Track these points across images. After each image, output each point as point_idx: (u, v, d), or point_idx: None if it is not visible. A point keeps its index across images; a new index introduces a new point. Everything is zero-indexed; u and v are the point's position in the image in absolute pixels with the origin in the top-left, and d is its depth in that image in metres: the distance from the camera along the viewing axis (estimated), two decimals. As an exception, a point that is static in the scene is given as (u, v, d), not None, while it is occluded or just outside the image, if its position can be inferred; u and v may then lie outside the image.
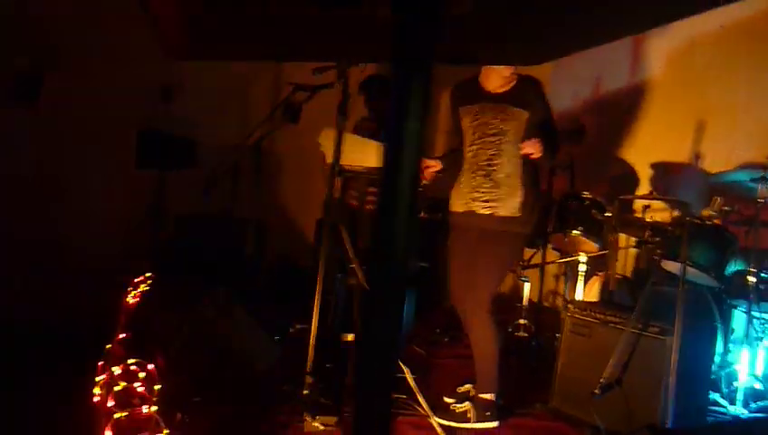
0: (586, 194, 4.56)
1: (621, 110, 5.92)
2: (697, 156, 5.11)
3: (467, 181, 3.42)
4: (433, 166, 3.49)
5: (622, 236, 5.02)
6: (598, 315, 3.30)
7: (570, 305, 3.45)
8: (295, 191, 6.77)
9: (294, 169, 6.70)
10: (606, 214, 4.68)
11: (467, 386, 3.58)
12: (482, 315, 3.32)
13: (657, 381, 2.94)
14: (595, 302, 3.84)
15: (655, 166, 5.45)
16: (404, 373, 3.31)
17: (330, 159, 3.30)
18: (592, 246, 4.60)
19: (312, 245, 6.77)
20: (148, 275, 4.58)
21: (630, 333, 3.10)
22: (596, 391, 2.99)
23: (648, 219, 4.30)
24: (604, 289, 4.11)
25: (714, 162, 4.95)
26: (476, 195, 3.39)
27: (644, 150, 5.59)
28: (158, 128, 5.61)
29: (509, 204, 3.32)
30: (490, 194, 3.36)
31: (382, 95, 4.88)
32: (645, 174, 5.51)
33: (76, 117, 5.54)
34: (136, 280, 4.56)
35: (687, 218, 3.22)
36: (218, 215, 4.59)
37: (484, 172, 3.38)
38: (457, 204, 3.49)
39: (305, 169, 6.71)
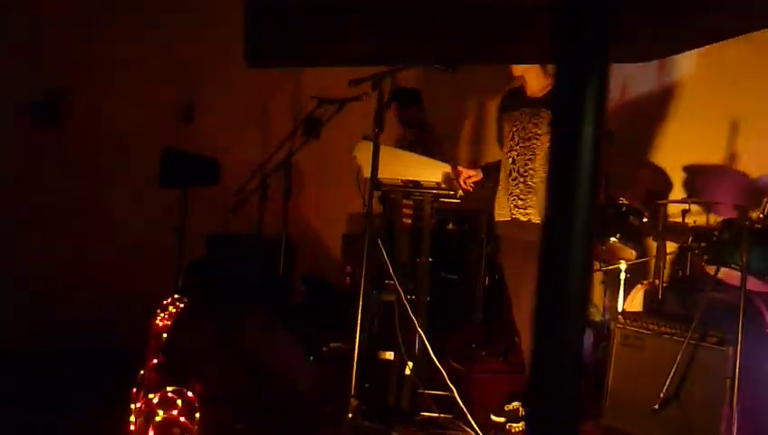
0: (623, 200, 4.45)
1: (650, 113, 5.80)
2: (733, 157, 4.99)
3: (507, 188, 3.35)
4: (474, 176, 3.40)
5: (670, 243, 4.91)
6: (651, 326, 3.18)
7: (620, 316, 3.33)
8: (318, 207, 6.70)
9: (314, 183, 6.63)
10: (644, 220, 4.57)
11: (515, 404, 3.46)
12: None
13: (720, 393, 2.80)
14: (643, 312, 3.71)
15: (688, 168, 5.32)
16: (451, 392, 3.21)
17: (366, 173, 3.21)
18: (631, 253, 4.49)
19: (339, 260, 6.70)
20: (177, 296, 4.50)
21: (687, 343, 2.97)
22: (655, 406, 2.86)
23: (691, 224, 4.19)
24: (649, 298, 3.97)
25: (750, 163, 4.82)
26: (517, 202, 3.33)
27: (676, 153, 5.46)
28: (181, 147, 5.55)
29: (540, 208, 3.24)
30: (527, 200, 3.30)
31: (413, 105, 4.82)
32: (678, 177, 5.38)
33: (100, 137, 5.50)
34: (165, 302, 4.48)
35: (747, 222, 3.08)
36: (248, 233, 4.51)
37: (522, 178, 3.32)
38: (500, 213, 3.41)
39: (326, 184, 6.66)
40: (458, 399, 3.14)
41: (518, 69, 3.33)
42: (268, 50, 0.82)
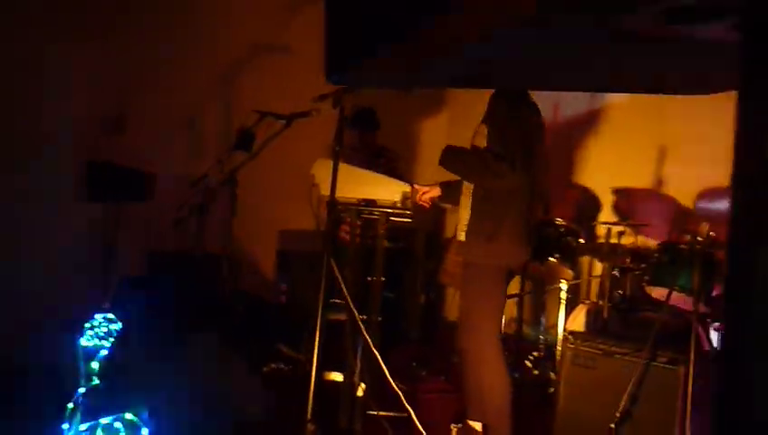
0: (559, 220, 4.55)
1: (581, 135, 5.98)
2: (661, 181, 5.20)
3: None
4: (429, 191, 3.38)
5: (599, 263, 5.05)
6: (602, 346, 3.24)
7: (570, 336, 3.38)
8: (248, 223, 6.54)
9: (246, 199, 6.49)
10: (579, 240, 4.69)
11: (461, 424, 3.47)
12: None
13: (671, 413, 2.88)
14: (591, 332, 3.78)
15: (617, 191, 5.52)
16: (405, 413, 3.18)
17: (324, 190, 3.15)
18: (569, 273, 4.59)
19: (271, 278, 6.56)
20: (107, 315, 4.29)
21: (640, 363, 3.04)
22: (612, 425, 2.91)
23: (627, 245, 4.33)
24: (591, 318, 4.06)
25: (679, 188, 5.04)
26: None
27: (606, 175, 5.64)
28: (108, 159, 5.33)
29: (462, 229, 3.24)
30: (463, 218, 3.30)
31: (376, 130, 4.81)
32: (607, 199, 5.57)
33: (23, 147, 5.19)
34: (93, 320, 4.26)
35: (696, 245, 3.19)
36: (189, 250, 4.35)
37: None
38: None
39: (257, 200, 6.51)
40: (415, 419, 3.12)
41: None
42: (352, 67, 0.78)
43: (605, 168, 5.70)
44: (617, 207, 5.48)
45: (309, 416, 2.91)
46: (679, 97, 5.07)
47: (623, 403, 2.95)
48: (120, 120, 6.08)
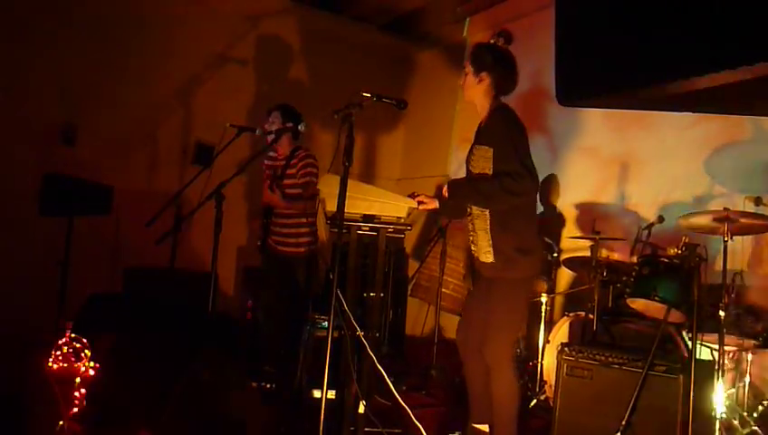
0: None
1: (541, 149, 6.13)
2: (623, 196, 5.39)
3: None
4: (429, 205, 3.38)
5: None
6: (598, 357, 3.32)
7: (566, 349, 3.45)
8: (206, 238, 6.39)
9: (204, 215, 6.34)
10: (554, 254, 4.81)
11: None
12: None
13: (673, 422, 2.98)
14: (583, 343, 3.87)
15: (580, 206, 5.68)
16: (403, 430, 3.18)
17: (330, 206, 3.12)
18: (543, 286, 4.70)
19: (232, 295, 6.42)
20: (73, 335, 4.10)
21: (637, 372, 3.14)
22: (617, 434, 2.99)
23: (602, 259, 4.45)
24: (577, 330, 4.16)
25: (640, 203, 5.23)
26: (469, 237, 3.36)
27: (570, 191, 5.80)
28: (62, 171, 5.11)
29: (483, 249, 3.25)
30: (471, 236, 3.34)
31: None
32: (570, 214, 5.72)
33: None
34: (59, 341, 4.06)
35: (696, 260, 3.32)
36: (167, 267, 4.21)
37: (468, 216, 3.34)
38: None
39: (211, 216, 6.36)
40: (423, 432, 3.13)
41: (468, 95, 3.33)
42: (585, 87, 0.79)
43: (570, 183, 5.85)
44: (579, 222, 5.63)
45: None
46: (642, 113, 5.29)
47: (627, 413, 3.03)
48: (70, 132, 5.87)
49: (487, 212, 3.16)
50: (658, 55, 1.29)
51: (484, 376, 3.21)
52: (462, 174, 3.44)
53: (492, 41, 3.30)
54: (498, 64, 3.21)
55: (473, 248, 3.34)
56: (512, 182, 2.98)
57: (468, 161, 3.32)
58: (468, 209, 3.30)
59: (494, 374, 3.14)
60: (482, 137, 3.26)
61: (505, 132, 3.11)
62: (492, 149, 3.11)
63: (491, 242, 3.16)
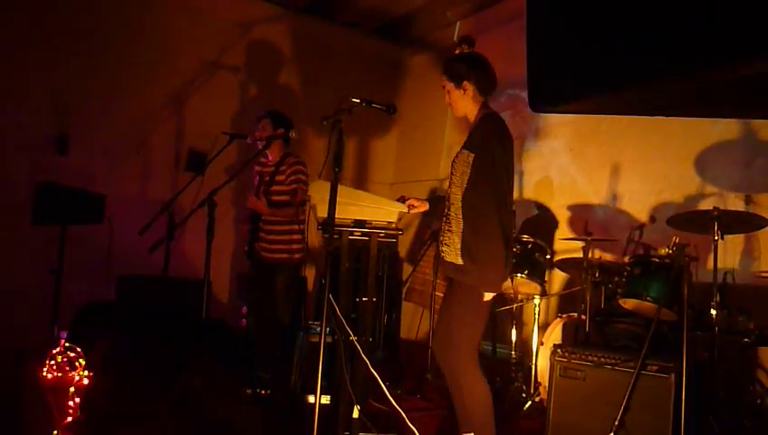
0: (526, 237, 4.66)
1: (534, 152, 6.16)
2: (615, 197, 5.41)
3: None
4: (419, 207, 3.38)
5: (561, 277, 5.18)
6: (591, 358, 3.34)
7: (559, 350, 3.46)
8: (199, 245, 6.40)
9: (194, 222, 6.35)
10: (547, 256, 4.82)
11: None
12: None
13: (666, 420, 2.99)
14: (576, 344, 3.88)
15: (572, 208, 5.70)
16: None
17: (321, 212, 3.14)
18: (536, 288, 4.69)
19: (226, 302, 6.42)
20: (67, 344, 4.09)
21: (631, 373, 3.15)
22: (611, 434, 3.00)
23: (594, 260, 4.47)
24: (570, 331, 4.18)
25: (632, 203, 5.26)
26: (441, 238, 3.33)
27: (561, 193, 5.82)
28: (54, 180, 5.11)
29: (452, 250, 3.22)
30: (442, 236, 3.30)
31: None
32: (563, 216, 5.75)
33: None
34: (53, 350, 4.06)
35: (685, 260, 3.34)
36: (160, 274, 4.21)
37: (444, 215, 3.31)
38: None
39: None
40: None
41: (457, 109, 3.32)
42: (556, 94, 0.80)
43: (561, 185, 5.87)
44: (572, 224, 5.66)
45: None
46: (626, 120, 5.32)
47: (620, 413, 3.04)
48: (62, 141, 5.87)
49: (458, 208, 3.15)
50: (621, 62, 1.31)
51: None
52: (453, 178, 3.45)
53: (457, 51, 3.32)
54: (474, 69, 3.23)
55: (441, 248, 3.29)
56: (486, 227, 3.01)
57: (452, 164, 3.33)
58: (445, 210, 3.28)
59: (460, 382, 3.11)
60: (467, 142, 3.27)
61: (488, 142, 3.10)
62: (473, 156, 3.12)
63: (461, 244, 3.14)
